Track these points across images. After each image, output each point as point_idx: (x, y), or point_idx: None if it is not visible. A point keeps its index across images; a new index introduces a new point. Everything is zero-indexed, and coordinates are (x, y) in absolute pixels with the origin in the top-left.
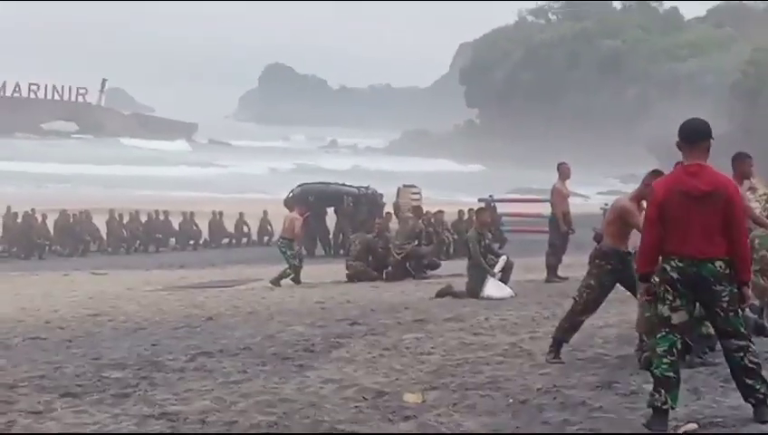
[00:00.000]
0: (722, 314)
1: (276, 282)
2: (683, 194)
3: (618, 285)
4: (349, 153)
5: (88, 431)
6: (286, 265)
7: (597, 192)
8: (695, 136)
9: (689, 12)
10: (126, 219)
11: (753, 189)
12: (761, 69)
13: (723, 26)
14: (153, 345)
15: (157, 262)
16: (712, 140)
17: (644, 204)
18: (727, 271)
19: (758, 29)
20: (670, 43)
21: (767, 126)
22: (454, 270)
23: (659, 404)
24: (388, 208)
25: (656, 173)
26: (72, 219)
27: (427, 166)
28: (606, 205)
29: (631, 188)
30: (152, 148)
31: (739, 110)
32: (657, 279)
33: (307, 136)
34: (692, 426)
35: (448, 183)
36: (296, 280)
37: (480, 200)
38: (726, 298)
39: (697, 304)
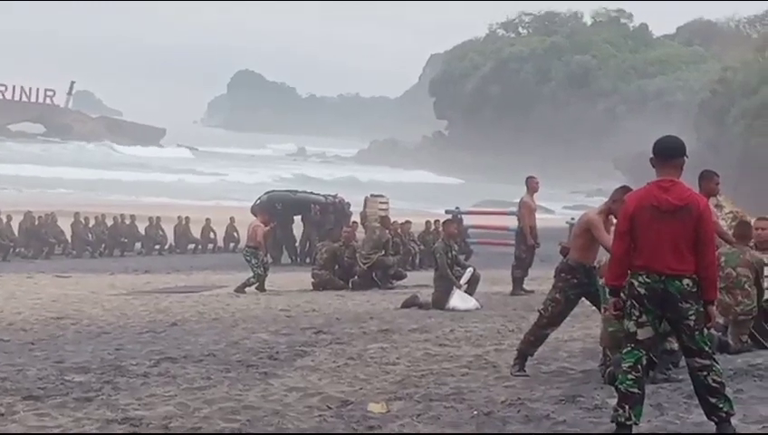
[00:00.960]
0: (687, 332)
1: (241, 290)
2: (653, 208)
3: (583, 299)
4: (317, 162)
5: (50, 434)
6: (251, 274)
7: (563, 206)
8: (668, 152)
9: (659, 29)
10: (92, 223)
11: (719, 207)
12: (729, 88)
13: (692, 44)
14: (117, 350)
15: (122, 266)
16: (686, 158)
17: (612, 219)
18: (694, 289)
19: (727, 48)
20: (639, 59)
21: (734, 144)
22: (420, 281)
23: (623, 419)
24: (356, 218)
25: (624, 189)
26: (37, 221)
27: (396, 176)
28: (572, 219)
29: (598, 203)
30: (120, 152)
31: (707, 127)
32: (624, 294)
33: (275, 143)
34: None
35: (416, 194)
36: (261, 288)
37: (447, 212)
38: (693, 317)
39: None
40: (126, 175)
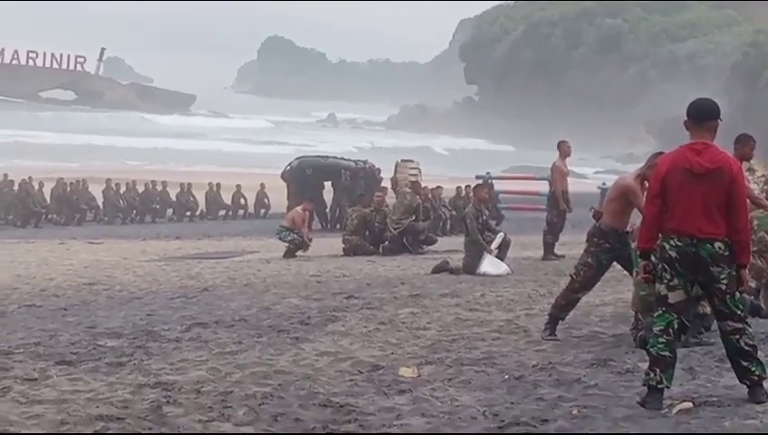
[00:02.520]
0: (719, 295)
1: (290, 255)
2: (686, 171)
3: (614, 263)
4: (347, 127)
5: (83, 399)
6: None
7: (594, 171)
8: (703, 115)
9: None
10: (123, 189)
11: (751, 171)
12: (762, 50)
13: (723, 7)
14: (148, 315)
15: (153, 232)
16: (720, 121)
17: (646, 185)
18: (726, 253)
19: (759, 10)
20: (671, 23)
21: (766, 107)
22: (450, 246)
23: (654, 383)
24: (386, 183)
25: (659, 155)
26: (68, 188)
27: (426, 141)
28: (604, 184)
29: (629, 168)
30: (151, 119)
31: (739, 91)
32: (655, 258)
33: (306, 109)
34: (687, 405)
35: (446, 159)
36: (289, 254)
37: (477, 177)
38: (725, 280)
39: (695, 285)
40: (156, 142)
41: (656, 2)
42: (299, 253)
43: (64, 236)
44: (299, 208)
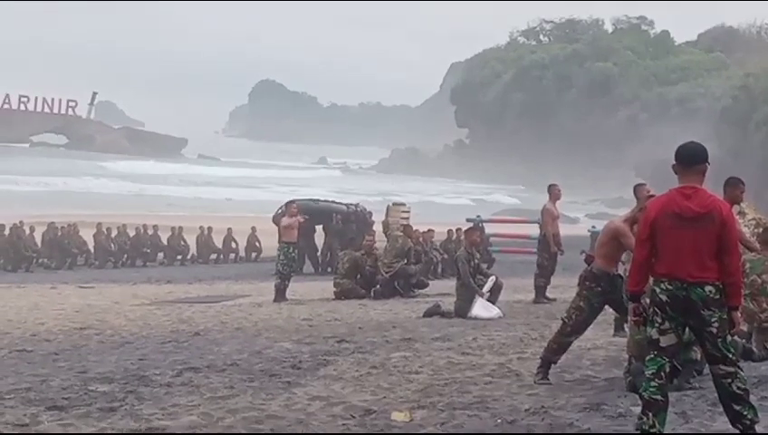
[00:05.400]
0: (710, 339)
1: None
2: (675, 215)
3: (606, 307)
4: (338, 170)
5: None
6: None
7: (585, 214)
8: (691, 159)
9: (680, 36)
10: (114, 233)
11: (741, 214)
12: (751, 94)
13: (713, 51)
14: (140, 360)
15: (144, 276)
16: (708, 165)
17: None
18: (717, 296)
19: (749, 54)
20: (661, 66)
21: (756, 151)
22: (442, 289)
23: (647, 427)
24: (378, 227)
25: (641, 187)
26: (59, 232)
27: (417, 185)
28: (593, 228)
29: (619, 212)
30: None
31: (729, 134)
32: (647, 301)
33: (297, 153)
34: None
35: (438, 202)
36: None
37: (468, 220)
38: (716, 324)
39: (687, 328)
40: (148, 188)
41: (645, 46)
42: (289, 296)
43: (55, 280)
44: (285, 217)
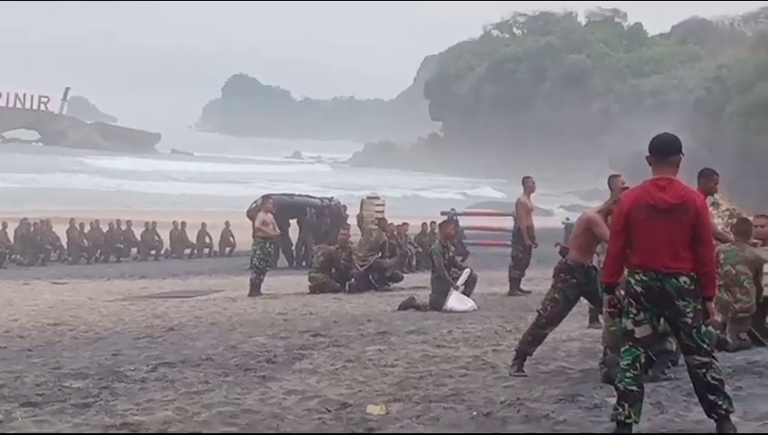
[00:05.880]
0: (685, 329)
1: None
2: (650, 207)
3: (582, 299)
4: (312, 165)
5: None
6: (252, 276)
7: (559, 207)
8: (664, 150)
9: (653, 28)
10: (87, 229)
11: (715, 205)
12: (724, 86)
13: (687, 43)
14: (114, 355)
15: (118, 272)
16: (682, 156)
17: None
18: (692, 287)
19: (722, 46)
20: (634, 58)
21: (730, 142)
22: (417, 283)
23: (623, 418)
24: (352, 220)
25: (617, 177)
26: (32, 228)
27: (391, 178)
28: (568, 220)
29: (594, 204)
30: (116, 159)
31: (702, 126)
32: (622, 292)
33: (270, 147)
34: None
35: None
36: (256, 290)
37: (443, 214)
38: (690, 314)
39: (662, 319)
40: (122, 184)
41: (619, 38)
42: (264, 290)
43: (28, 276)
44: (261, 213)
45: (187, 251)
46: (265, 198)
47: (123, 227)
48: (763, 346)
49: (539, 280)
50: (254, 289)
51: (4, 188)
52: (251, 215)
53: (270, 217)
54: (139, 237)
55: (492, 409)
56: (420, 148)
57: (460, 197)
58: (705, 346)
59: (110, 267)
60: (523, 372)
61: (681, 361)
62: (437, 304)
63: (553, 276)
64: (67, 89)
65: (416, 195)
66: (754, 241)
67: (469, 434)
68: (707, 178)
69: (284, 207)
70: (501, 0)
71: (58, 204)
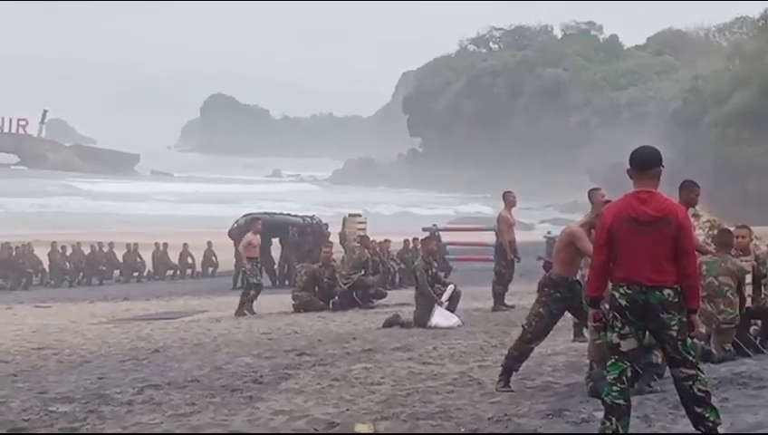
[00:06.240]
0: (671, 342)
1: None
2: (632, 220)
3: (566, 313)
4: (292, 183)
5: None
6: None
7: (540, 221)
8: (645, 163)
9: (629, 40)
10: (69, 251)
11: (696, 216)
12: (701, 96)
13: (662, 54)
14: (100, 379)
15: (101, 294)
16: (662, 168)
17: (593, 233)
18: (676, 299)
19: (697, 57)
20: (611, 71)
21: (708, 153)
22: (400, 299)
23: (611, 432)
24: (334, 238)
25: (597, 190)
26: (14, 252)
27: (372, 195)
28: (549, 233)
29: (573, 216)
30: (96, 181)
31: (680, 137)
32: (606, 306)
33: (250, 166)
34: None
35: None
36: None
37: (424, 229)
38: (675, 327)
39: (647, 332)
40: (103, 205)
41: (595, 51)
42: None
43: (11, 300)
44: (249, 234)
45: (170, 272)
46: (248, 217)
47: (105, 250)
48: (748, 357)
49: (522, 294)
50: (246, 307)
51: None
52: (233, 235)
53: (258, 238)
54: (121, 259)
55: (479, 425)
56: (400, 164)
57: (450, 212)
58: (690, 358)
59: (93, 290)
60: (510, 387)
61: (667, 373)
62: (422, 320)
63: (537, 291)
64: (45, 111)
65: (404, 211)
66: (735, 252)
67: None
68: (689, 191)
69: (266, 227)
70: (477, 10)
71: (39, 227)
